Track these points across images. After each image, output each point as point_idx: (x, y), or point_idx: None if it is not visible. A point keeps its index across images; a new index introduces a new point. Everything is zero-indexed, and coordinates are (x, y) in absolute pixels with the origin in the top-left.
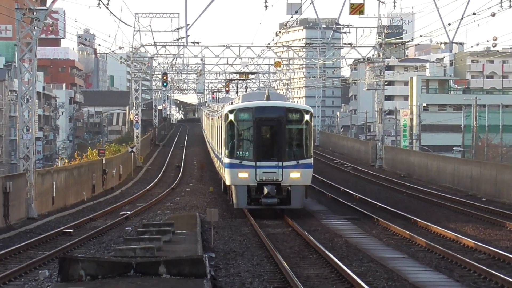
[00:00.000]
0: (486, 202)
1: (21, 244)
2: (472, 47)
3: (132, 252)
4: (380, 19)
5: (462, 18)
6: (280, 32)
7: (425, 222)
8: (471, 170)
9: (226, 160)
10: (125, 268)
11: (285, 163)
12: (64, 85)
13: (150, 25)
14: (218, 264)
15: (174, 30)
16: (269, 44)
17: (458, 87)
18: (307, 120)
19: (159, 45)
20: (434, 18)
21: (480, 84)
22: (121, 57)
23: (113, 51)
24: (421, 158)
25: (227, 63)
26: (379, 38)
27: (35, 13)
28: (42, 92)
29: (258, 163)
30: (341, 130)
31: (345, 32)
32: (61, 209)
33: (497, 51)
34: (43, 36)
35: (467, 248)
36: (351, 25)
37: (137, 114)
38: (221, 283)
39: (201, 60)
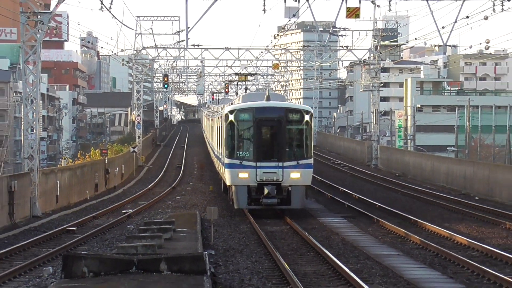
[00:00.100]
0: (479, 201)
1: (25, 242)
2: (465, 49)
3: (134, 249)
4: (376, 23)
5: (455, 21)
6: (278, 35)
7: (420, 220)
8: (464, 169)
9: (227, 161)
10: (127, 265)
11: (285, 163)
12: (67, 87)
13: (151, 28)
14: (218, 261)
15: (175, 33)
16: (267, 46)
17: (451, 89)
18: (307, 121)
19: (160, 47)
20: (428, 21)
21: (473, 85)
22: (123, 59)
23: (115, 54)
24: (416, 158)
25: (227, 65)
26: (374, 41)
27: (39, 16)
28: (46, 94)
29: (259, 163)
30: (338, 130)
31: (341, 35)
32: (65, 208)
33: (490, 53)
34: (47, 38)
35: (461, 246)
36: (348, 28)
37: (138, 115)
38: (220, 280)
39: (201, 62)
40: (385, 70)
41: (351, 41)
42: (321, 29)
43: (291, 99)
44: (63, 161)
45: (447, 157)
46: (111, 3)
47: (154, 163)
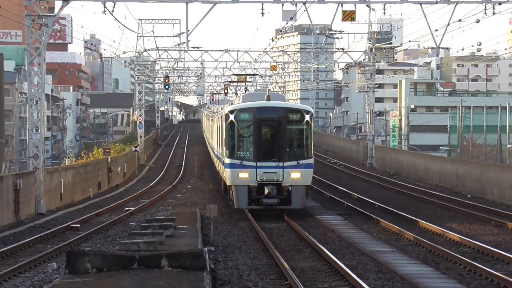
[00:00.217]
0: (471, 199)
1: (30, 238)
2: (457, 51)
3: (136, 246)
4: (371, 25)
5: (448, 25)
6: (276, 37)
7: (413, 218)
8: (456, 168)
9: (227, 161)
10: (129, 261)
11: (286, 163)
12: (71, 88)
13: (152, 30)
14: (217, 257)
15: (176, 36)
16: (265, 49)
17: (444, 90)
18: (307, 121)
19: (161, 49)
20: (421, 25)
21: (465, 87)
22: (125, 61)
23: (117, 56)
24: (410, 157)
25: (226, 67)
26: (369, 43)
27: (43, 19)
28: (50, 94)
29: (259, 163)
30: (334, 130)
31: (337, 38)
32: (69, 205)
33: (481, 55)
34: (51, 41)
35: (453, 242)
36: (343, 31)
37: (140, 115)
38: (220, 276)
39: (201, 64)
40: (380, 71)
41: (347, 43)
42: (318, 32)
43: (289, 100)
44: (67, 160)
45: (440, 156)
46: (113, 7)
47: (156, 162)
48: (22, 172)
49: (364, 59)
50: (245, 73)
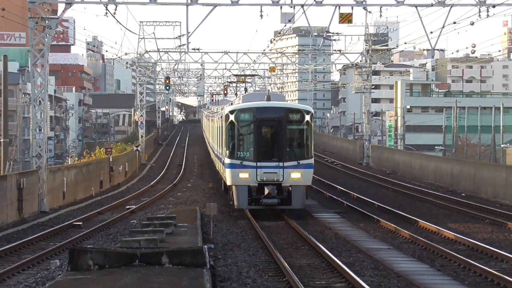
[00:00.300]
0: (466, 198)
1: (33, 236)
2: (452, 53)
3: (137, 243)
4: (367, 28)
5: (443, 27)
6: (274, 39)
7: (409, 216)
8: (451, 167)
9: (227, 161)
10: (131, 258)
11: (286, 164)
12: (73, 89)
13: (153, 32)
14: (217, 254)
15: (176, 38)
16: (264, 50)
17: (439, 91)
18: (307, 121)
19: (162, 51)
20: (417, 27)
21: (460, 87)
22: (126, 63)
23: (119, 57)
24: (405, 157)
25: (226, 68)
26: (366, 45)
27: (47, 21)
28: (53, 95)
29: (259, 164)
30: (331, 130)
31: (334, 40)
32: (71, 204)
33: (476, 57)
34: (54, 43)
35: (448, 240)
36: (340, 33)
37: (141, 115)
38: (219, 272)
39: (201, 65)
40: (376, 73)
41: (344, 45)
42: (315, 34)
43: (287, 100)
44: (69, 159)
45: (435, 155)
46: (115, 9)
47: (156, 161)
48: (26, 171)
49: (360, 61)
50: (245, 74)
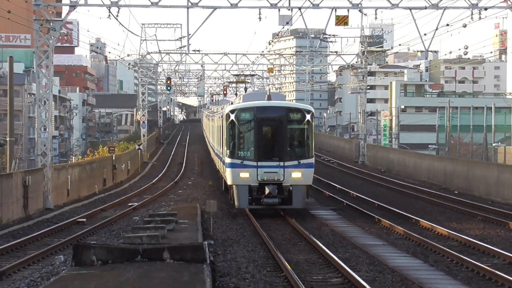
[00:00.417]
0: (458, 195)
1: (39, 232)
2: (445, 54)
3: (139, 239)
4: (363, 30)
5: (436, 29)
6: (272, 41)
7: (403, 213)
8: (444, 166)
9: (228, 160)
10: (133, 254)
11: (287, 163)
12: (77, 89)
13: (155, 34)
14: (217, 250)
15: (177, 39)
16: (263, 52)
17: (433, 91)
18: (308, 120)
19: (163, 52)
20: (411, 29)
21: (453, 88)
22: (129, 64)
23: (122, 58)
24: (400, 155)
25: (225, 69)
26: (361, 47)
27: (51, 24)
28: (57, 95)
29: (260, 163)
30: (328, 129)
31: (331, 41)
32: (75, 201)
33: (468, 58)
34: (58, 44)
35: (441, 236)
36: (337, 35)
37: (143, 115)
38: (219, 268)
39: (202, 66)
40: (371, 73)
41: (340, 47)
42: (312, 36)
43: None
44: (73, 157)
45: (429, 154)
46: (118, 12)
47: (158, 159)
48: (31, 169)
49: (356, 62)
50: (244, 74)
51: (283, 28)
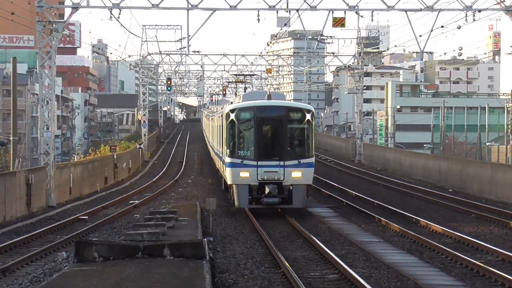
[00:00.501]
0: (453, 193)
1: (41, 229)
2: (440, 56)
3: (140, 236)
4: (359, 31)
5: (431, 30)
6: (271, 42)
7: (399, 210)
8: (439, 164)
9: (228, 160)
10: (134, 250)
11: (287, 163)
12: (79, 89)
13: (156, 36)
14: (216, 247)
15: (177, 41)
16: (261, 53)
17: (428, 91)
18: (308, 119)
19: (164, 53)
20: (407, 30)
21: (448, 88)
22: (130, 64)
23: (123, 59)
24: (396, 154)
25: (224, 70)
26: (358, 48)
27: (54, 25)
28: (60, 95)
29: (260, 163)
30: (325, 129)
31: (328, 43)
32: (77, 199)
33: (463, 59)
34: (61, 45)
35: (436, 233)
36: (334, 36)
37: (144, 115)
38: (218, 264)
39: (201, 67)
40: (367, 74)
41: (337, 48)
42: (310, 37)
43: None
44: (75, 156)
45: (424, 153)
46: (119, 14)
47: (158, 158)
48: (34, 168)
49: (353, 63)
50: (244, 74)
51: (281, 29)
